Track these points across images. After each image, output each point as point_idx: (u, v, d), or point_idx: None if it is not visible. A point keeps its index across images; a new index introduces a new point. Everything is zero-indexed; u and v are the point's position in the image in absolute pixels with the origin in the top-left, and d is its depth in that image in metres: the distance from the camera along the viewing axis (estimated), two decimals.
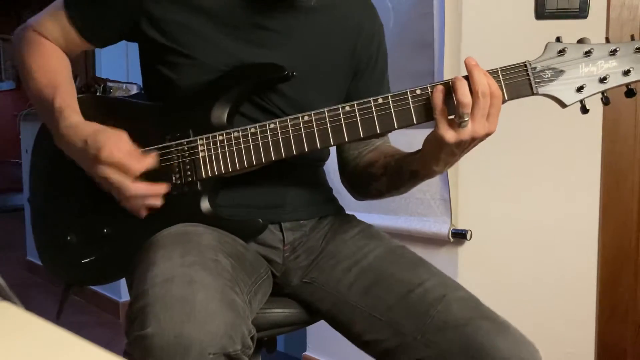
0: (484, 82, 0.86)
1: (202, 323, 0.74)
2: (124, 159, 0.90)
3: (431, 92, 0.89)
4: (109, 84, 2.93)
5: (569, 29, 1.57)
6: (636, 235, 1.61)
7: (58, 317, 1.09)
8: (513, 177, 1.67)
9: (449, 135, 0.87)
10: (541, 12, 1.59)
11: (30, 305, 0.53)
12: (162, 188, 0.95)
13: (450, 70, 1.66)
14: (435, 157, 0.93)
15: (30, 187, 1.14)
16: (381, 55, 1.15)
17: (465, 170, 1.72)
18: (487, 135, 0.89)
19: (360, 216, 1.19)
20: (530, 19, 1.60)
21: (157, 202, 0.95)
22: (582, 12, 1.56)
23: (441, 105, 0.88)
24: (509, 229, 1.69)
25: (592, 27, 1.55)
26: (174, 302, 0.75)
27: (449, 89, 0.88)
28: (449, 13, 1.65)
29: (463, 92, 0.86)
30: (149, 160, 0.93)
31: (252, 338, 0.81)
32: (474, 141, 0.89)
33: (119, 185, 0.92)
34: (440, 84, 0.90)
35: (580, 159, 1.61)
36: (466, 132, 0.87)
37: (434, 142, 0.90)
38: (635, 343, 1.64)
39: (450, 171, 1.69)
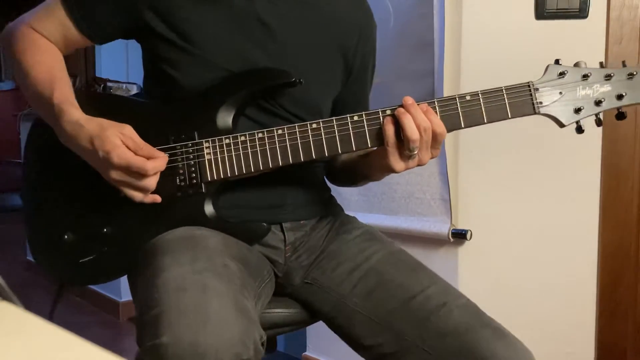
0: (423, 119, 0.92)
1: (217, 331, 0.73)
2: (136, 160, 0.89)
3: (382, 120, 0.94)
4: (109, 84, 2.93)
5: (569, 29, 1.57)
6: (636, 235, 1.62)
7: (51, 316, 1.09)
8: (513, 177, 1.67)
9: (399, 166, 0.95)
10: (541, 12, 1.59)
11: (30, 305, 0.53)
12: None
13: (451, 70, 1.66)
14: (383, 175, 1.07)
15: (24, 184, 1.12)
16: (372, 60, 1.17)
17: (465, 170, 1.72)
18: (431, 158, 0.97)
19: (360, 216, 1.19)
20: (530, 19, 1.60)
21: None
22: (582, 12, 1.56)
23: (393, 137, 0.94)
24: (509, 229, 1.69)
25: (592, 27, 1.55)
26: (188, 310, 0.75)
27: (396, 119, 0.93)
28: (449, 13, 1.65)
29: (411, 129, 0.91)
30: (162, 160, 0.93)
31: (262, 343, 0.80)
32: (419, 166, 0.97)
33: (132, 195, 0.93)
34: (389, 115, 0.95)
35: (581, 159, 1.61)
36: (414, 162, 0.95)
37: (384, 167, 0.97)
38: (635, 343, 1.65)
39: (450, 171, 1.69)
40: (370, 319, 0.98)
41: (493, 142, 1.67)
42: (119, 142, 0.89)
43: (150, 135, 0.97)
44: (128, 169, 0.89)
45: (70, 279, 1.08)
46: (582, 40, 1.56)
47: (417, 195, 1.77)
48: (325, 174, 1.22)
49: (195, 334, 0.72)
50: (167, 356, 0.71)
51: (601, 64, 0.96)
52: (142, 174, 0.90)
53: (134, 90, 2.93)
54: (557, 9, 1.57)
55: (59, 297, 1.14)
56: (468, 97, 0.94)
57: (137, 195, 0.93)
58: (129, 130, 0.91)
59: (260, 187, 1.03)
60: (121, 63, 3.47)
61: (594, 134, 1.58)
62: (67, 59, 1.07)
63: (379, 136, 0.95)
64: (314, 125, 0.96)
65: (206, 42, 0.99)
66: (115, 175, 0.90)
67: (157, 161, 0.91)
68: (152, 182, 0.92)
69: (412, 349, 0.93)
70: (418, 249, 1.72)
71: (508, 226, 1.69)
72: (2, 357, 0.40)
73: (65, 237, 1.03)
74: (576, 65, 0.96)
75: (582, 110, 0.95)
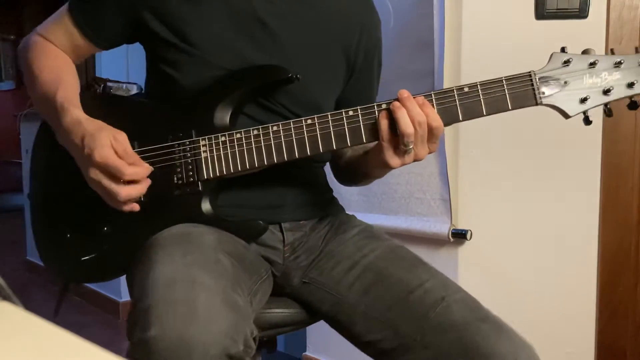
0: (419, 113, 0.90)
1: (205, 324, 0.74)
2: (116, 161, 0.88)
3: (377, 115, 0.93)
4: (109, 84, 2.93)
5: (569, 29, 1.57)
6: (636, 235, 1.62)
7: (55, 315, 1.09)
8: (513, 177, 1.67)
9: (394, 161, 0.94)
10: (541, 12, 1.59)
11: (30, 305, 0.53)
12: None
13: (450, 70, 1.66)
14: (382, 172, 1.07)
15: (30, 184, 1.13)
16: (377, 57, 1.16)
17: (465, 170, 1.72)
18: (429, 153, 0.95)
19: (360, 216, 1.19)
20: (530, 19, 1.60)
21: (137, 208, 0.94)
22: (582, 12, 1.56)
23: (387, 132, 0.92)
24: (509, 229, 1.69)
25: (592, 27, 1.55)
26: (177, 303, 0.75)
27: (391, 114, 0.92)
28: (449, 13, 1.65)
29: (405, 123, 0.90)
30: (144, 169, 0.91)
31: (254, 339, 0.81)
32: (415, 161, 0.96)
33: (107, 200, 0.92)
34: (384, 109, 0.93)
35: (581, 159, 1.61)
36: (410, 157, 0.93)
37: (380, 163, 0.96)
38: (635, 343, 1.65)
39: (450, 171, 1.69)
40: (369, 315, 0.98)
41: (493, 142, 1.67)
42: (108, 143, 0.89)
43: (149, 134, 0.98)
44: (106, 169, 0.88)
45: (73, 277, 1.09)
46: (582, 40, 1.56)
47: (417, 195, 1.77)
48: (332, 174, 1.22)
49: (183, 328, 0.73)
50: (155, 350, 0.72)
51: (612, 51, 0.91)
52: (118, 177, 0.88)
53: (134, 90, 2.94)
54: (557, 9, 1.57)
55: (62, 297, 1.14)
56: (466, 89, 0.92)
57: (110, 202, 0.92)
58: (122, 137, 0.91)
59: (260, 186, 1.03)
60: (121, 63, 3.47)
61: (594, 134, 1.58)
62: None
63: (374, 131, 0.94)
64: (309, 121, 0.95)
65: (205, 43, 0.99)
66: (93, 174, 0.89)
67: (137, 168, 0.90)
68: (127, 190, 0.90)
69: (412, 345, 0.93)
70: (418, 249, 1.71)
71: (508, 226, 1.69)
72: (2, 357, 0.40)
73: (68, 235, 1.04)
74: (585, 52, 0.91)
75: (589, 100, 0.90)
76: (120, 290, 2.90)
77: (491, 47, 1.64)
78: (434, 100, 0.93)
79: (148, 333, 0.73)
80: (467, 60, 1.67)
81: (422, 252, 1.08)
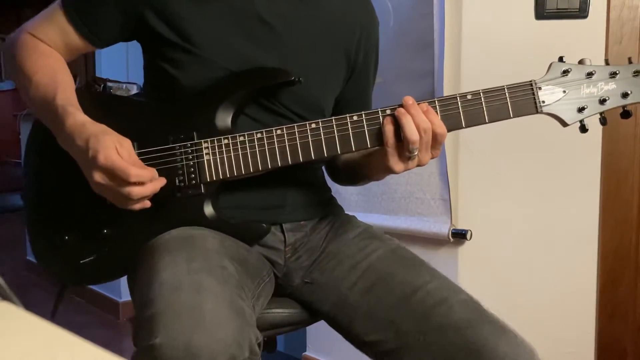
0: (424, 120, 0.91)
1: (212, 332, 0.73)
2: (120, 164, 0.86)
3: (382, 120, 0.94)
4: (109, 84, 2.93)
5: (569, 29, 1.57)
6: (636, 235, 1.62)
7: (52, 316, 1.09)
8: (513, 177, 1.67)
9: (398, 167, 0.94)
10: (541, 12, 1.59)
11: (30, 305, 0.53)
12: (157, 184, 0.92)
13: (451, 70, 1.66)
14: (383, 175, 1.06)
15: (25, 186, 1.11)
16: (374, 57, 1.16)
17: (465, 170, 1.72)
18: (431, 158, 0.96)
19: (360, 216, 1.19)
20: (530, 19, 1.60)
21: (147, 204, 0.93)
22: (582, 12, 1.56)
23: (392, 138, 0.93)
24: (509, 229, 1.69)
25: (592, 27, 1.56)
26: (183, 310, 0.75)
27: (396, 119, 0.93)
28: (449, 13, 1.65)
29: (410, 130, 0.90)
30: (148, 172, 0.89)
31: (258, 344, 0.80)
32: (418, 166, 0.96)
33: (115, 202, 0.90)
34: (388, 115, 0.94)
35: (581, 159, 1.61)
36: (413, 163, 0.94)
37: (383, 168, 0.96)
38: (635, 343, 1.65)
39: (450, 171, 1.69)
40: (370, 315, 0.98)
41: (493, 142, 1.67)
42: (113, 146, 0.87)
43: (150, 135, 0.97)
44: (111, 172, 0.87)
45: (71, 279, 1.08)
46: (582, 40, 1.56)
47: (417, 195, 1.77)
48: (327, 173, 1.22)
49: (190, 335, 0.72)
50: (161, 357, 0.71)
51: (606, 61, 0.94)
52: (124, 180, 0.87)
53: (134, 90, 2.93)
54: (557, 9, 1.57)
55: (60, 298, 1.13)
56: (469, 97, 0.93)
57: (120, 202, 0.90)
58: (127, 143, 0.90)
59: (261, 187, 1.03)
60: (121, 63, 3.47)
61: (594, 134, 1.58)
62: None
63: (379, 137, 0.94)
64: (313, 125, 0.95)
65: (207, 42, 0.98)
66: (98, 177, 0.87)
67: (141, 170, 0.88)
68: (139, 189, 0.88)
69: (413, 345, 0.93)
70: (418, 249, 1.72)
71: (508, 226, 1.69)
72: (2, 357, 0.40)
73: (66, 238, 1.03)
74: (580, 62, 0.94)
75: (586, 109, 0.93)
76: (120, 290, 2.90)
77: (491, 47, 1.64)
78: (437, 106, 0.93)
79: (154, 341, 0.72)
80: (467, 60, 1.67)
81: (422, 252, 1.08)
